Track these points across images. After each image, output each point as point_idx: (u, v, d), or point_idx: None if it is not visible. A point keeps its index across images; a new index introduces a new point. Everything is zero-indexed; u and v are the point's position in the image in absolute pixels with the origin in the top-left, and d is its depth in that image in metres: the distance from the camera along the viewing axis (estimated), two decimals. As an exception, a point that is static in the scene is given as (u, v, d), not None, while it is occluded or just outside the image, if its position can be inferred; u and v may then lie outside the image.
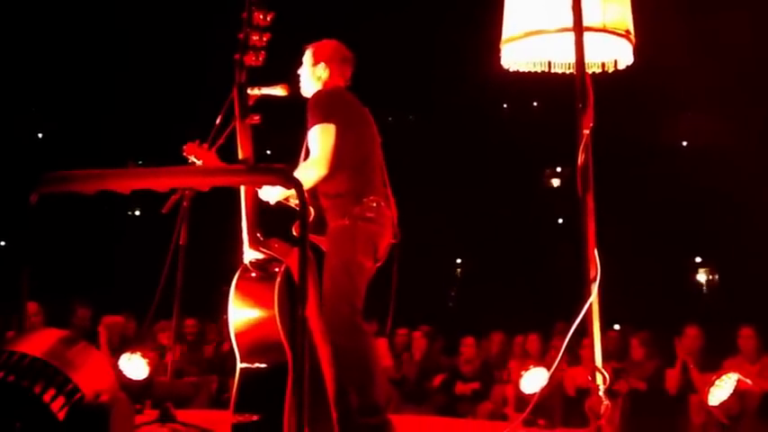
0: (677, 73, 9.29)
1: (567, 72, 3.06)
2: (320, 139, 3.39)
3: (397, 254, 3.58)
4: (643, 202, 10.98)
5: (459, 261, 14.14)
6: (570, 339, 2.85)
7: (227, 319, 2.97)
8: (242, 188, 3.02)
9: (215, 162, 3.48)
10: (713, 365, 5.55)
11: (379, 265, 3.55)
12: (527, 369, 5.24)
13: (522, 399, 5.69)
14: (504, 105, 12.69)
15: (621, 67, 3.10)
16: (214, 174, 2.51)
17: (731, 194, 9.69)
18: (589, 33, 2.87)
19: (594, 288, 2.76)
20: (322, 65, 3.61)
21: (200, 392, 6.71)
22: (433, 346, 7.82)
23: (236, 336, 2.89)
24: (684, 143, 12.08)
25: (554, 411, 6.21)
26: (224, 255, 3.48)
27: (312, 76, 3.63)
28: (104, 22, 10.52)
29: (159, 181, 2.39)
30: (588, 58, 2.88)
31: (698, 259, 12.58)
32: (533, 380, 5.15)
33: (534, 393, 4.78)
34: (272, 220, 3.18)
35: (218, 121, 3.55)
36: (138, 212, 12.97)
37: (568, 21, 2.84)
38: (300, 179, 3.34)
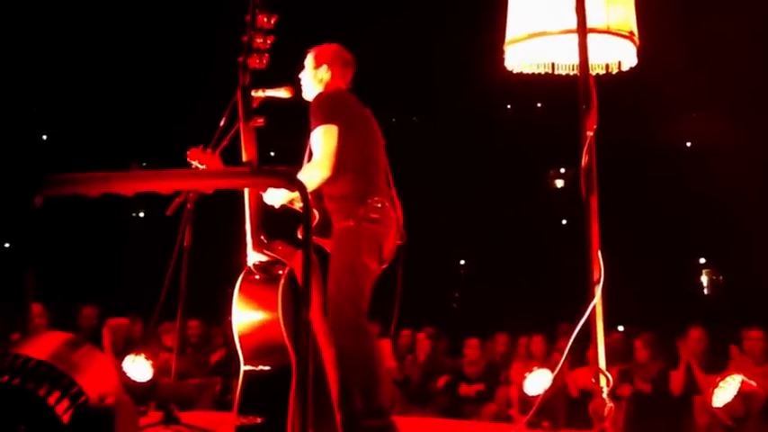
0: (681, 74, 9.27)
1: (571, 74, 3.06)
2: (323, 141, 3.39)
3: (402, 255, 3.58)
4: (647, 203, 10.96)
5: (462, 262, 14.13)
6: (574, 341, 2.85)
7: (231, 321, 2.97)
8: (246, 191, 3.02)
9: (219, 166, 3.49)
10: (717, 367, 5.54)
11: (384, 267, 3.55)
12: (531, 371, 5.24)
13: (527, 400, 5.69)
14: (509, 107, 12.68)
15: (625, 68, 3.10)
16: (218, 176, 2.51)
17: (735, 195, 9.66)
18: (593, 35, 2.87)
19: (598, 290, 2.76)
20: (324, 67, 3.62)
21: (203, 394, 6.72)
22: (437, 347, 7.81)
23: (240, 338, 2.90)
24: (688, 144, 12.07)
25: (558, 413, 6.20)
26: (228, 257, 3.48)
27: (314, 79, 3.63)
28: (108, 24, 10.54)
29: (163, 183, 2.39)
30: (592, 60, 2.88)
31: (702, 260, 12.55)
32: (537, 381, 5.15)
33: (538, 395, 4.78)
34: (275, 223, 3.19)
35: (221, 124, 3.56)
36: (142, 214, 12.98)
37: (572, 22, 2.84)
38: (304, 181, 3.37)
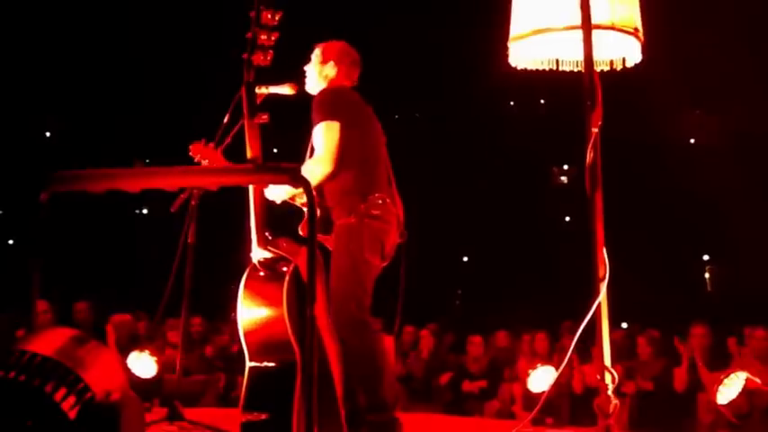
0: (685, 70, 9.26)
1: (576, 70, 3.05)
2: (325, 137, 3.39)
3: (404, 253, 3.58)
4: (650, 200, 10.94)
5: (465, 259, 14.13)
6: (578, 338, 2.85)
7: (236, 317, 2.97)
8: (250, 187, 3.02)
9: (220, 162, 3.49)
10: (721, 364, 5.54)
11: (385, 264, 3.55)
12: (535, 368, 5.24)
13: (530, 397, 5.69)
14: (512, 103, 12.66)
15: (630, 64, 3.10)
16: (222, 173, 2.51)
17: (739, 192, 9.64)
18: (597, 31, 2.87)
19: (603, 287, 2.76)
20: (331, 63, 3.62)
21: (208, 390, 6.73)
22: (441, 344, 7.82)
23: (245, 335, 2.90)
24: (692, 141, 12.04)
25: (562, 410, 6.20)
26: (233, 253, 3.49)
27: (320, 75, 3.63)
28: (112, 21, 10.54)
29: (168, 180, 2.39)
30: (596, 56, 2.88)
31: (706, 257, 12.53)
32: (541, 378, 5.15)
33: (542, 392, 4.78)
34: (280, 220, 3.19)
35: (225, 120, 3.56)
36: (146, 211, 13.00)
37: (576, 18, 2.84)
38: (305, 177, 3.37)
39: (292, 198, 3.48)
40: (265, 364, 2.88)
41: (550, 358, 6.45)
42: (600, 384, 2.74)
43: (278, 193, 3.44)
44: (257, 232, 2.99)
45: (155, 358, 4.96)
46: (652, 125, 10.69)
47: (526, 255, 11.65)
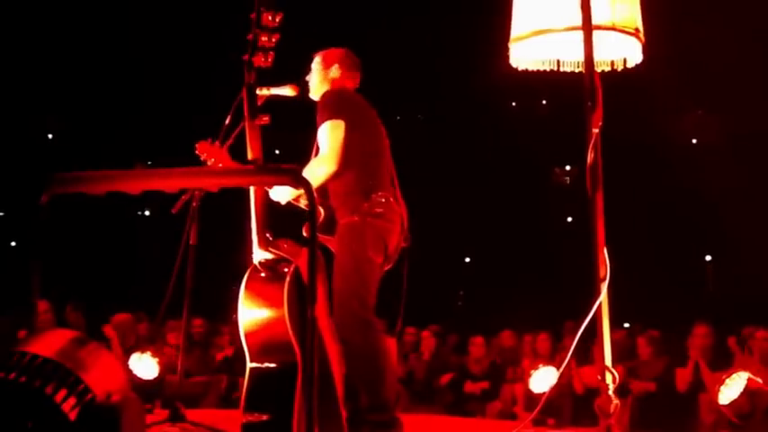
0: (687, 70, 9.25)
1: (576, 71, 3.05)
2: (330, 136, 3.41)
3: (407, 256, 3.58)
4: (652, 200, 10.94)
5: (467, 260, 14.12)
6: (579, 339, 2.85)
7: (237, 318, 2.98)
8: (251, 189, 3.02)
9: (227, 160, 3.50)
10: (722, 364, 5.53)
11: (389, 266, 3.55)
12: (536, 368, 5.24)
13: (532, 398, 5.69)
14: (513, 104, 12.65)
15: (631, 65, 3.10)
16: (223, 174, 2.51)
17: (741, 192, 9.64)
18: (598, 32, 2.87)
19: (604, 287, 2.76)
20: (335, 66, 3.66)
21: (209, 392, 6.73)
22: (443, 345, 7.82)
23: (246, 336, 2.90)
24: (694, 141, 12.03)
25: (563, 410, 6.20)
26: (234, 254, 3.49)
27: (324, 79, 3.66)
28: (113, 23, 10.54)
29: (169, 182, 2.39)
30: (597, 57, 2.88)
31: (708, 257, 12.51)
32: (543, 379, 5.14)
33: (544, 392, 4.77)
34: (281, 221, 3.19)
35: (227, 122, 3.56)
36: (147, 213, 13.00)
37: (577, 19, 2.84)
38: (311, 176, 3.37)
39: (297, 199, 3.49)
40: (266, 365, 2.88)
41: (553, 358, 6.45)
42: (601, 385, 2.73)
43: (282, 193, 3.45)
44: (258, 233, 2.99)
45: (156, 359, 4.97)
46: (654, 125, 10.68)
47: (528, 255, 11.65)
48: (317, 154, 3.53)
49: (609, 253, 2.79)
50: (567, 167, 12.69)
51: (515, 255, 11.85)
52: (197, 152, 3.57)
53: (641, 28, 2.99)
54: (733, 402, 4.45)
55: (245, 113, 3.07)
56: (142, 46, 10.65)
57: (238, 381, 6.15)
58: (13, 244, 12.25)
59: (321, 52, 3.72)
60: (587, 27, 2.82)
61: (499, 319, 8.39)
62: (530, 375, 5.29)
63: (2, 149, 10.89)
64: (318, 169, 3.39)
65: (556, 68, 3.10)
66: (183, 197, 3.96)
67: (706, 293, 10.14)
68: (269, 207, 3.11)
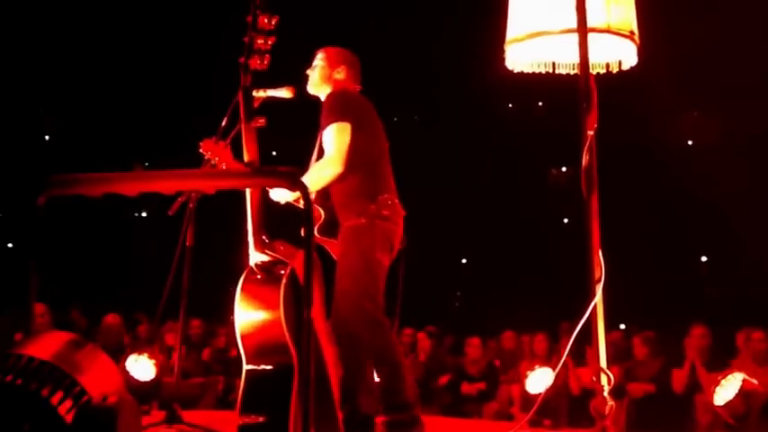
0: (682, 72, 9.27)
1: (572, 73, 3.06)
2: (336, 138, 3.41)
3: (403, 257, 3.59)
4: (648, 202, 10.95)
5: (464, 261, 14.13)
6: (576, 340, 2.86)
7: (233, 320, 2.98)
8: (248, 191, 3.03)
9: (230, 159, 3.49)
10: (719, 365, 5.54)
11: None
12: (532, 369, 5.25)
13: (528, 399, 5.70)
14: (510, 105, 12.66)
15: (626, 67, 3.11)
16: (220, 177, 2.52)
17: (737, 194, 9.66)
18: (593, 34, 2.88)
19: (599, 289, 2.77)
20: (342, 68, 3.65)
21: (206, 393, 6.73)
22: (440, 346, 7.83)
23: (242, 338, 2.91)
24: (690, 142, 12.05)
25: (560, 411, 6.21)
26: (230, 256, 3.50)
27: (327, 78, 3.65)
28: (110, 25, 10.54)
29: (166, 184, 2.40)
30: (592, 59, 2.89)
31: (704, 258, 12.54)
32: (539, 380, 5.16)
33: (540, 393, 4.79)
34: (278, 222, 3.20)
35: (223, 124, 3.57)
36: (144, 214, 13.00)
37: (573, 22, 2.85)
38: (317, 177, 3.38)
39: (297, 200, 3.49)
40: (262, 367, 2.89)
41: (549, 359, 6.46)
42: (596, 386, 2.74)
43: (282, 194, 3.45)
44: (254, 235, 3.00)
45: (153, 361, 4.97)
46: (650, 127, 10.70)
47: (525, 256, 11.66)
48: (319, 155, 3.53)
49: (605, 254, 2.80)
50: (564, 168, 12.70)
51: (512, 256, 11.86)
52: (201, 150, 3.57)
53: (636, 30, 3.00)
54: (728, 403, 4.47)
55: (242, 116, 3.07)
56: (139, 48, 10.65)
57: (235, 382, 6.15)
58: (9, 245, 12.24)
59: (326, 49, 3.70)
60: (582, 29, 2.83)
61: (496, 320, 8.40)
62: (526, 376, 5.30)
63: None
64: (325, 171, 3.40)
65: (551, 71, 3.11)
66: (180, 199, 3.97)
67: (702, 294, 10.15)
68: (265, 209, 3.11)
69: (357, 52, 3.78)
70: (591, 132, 2.81)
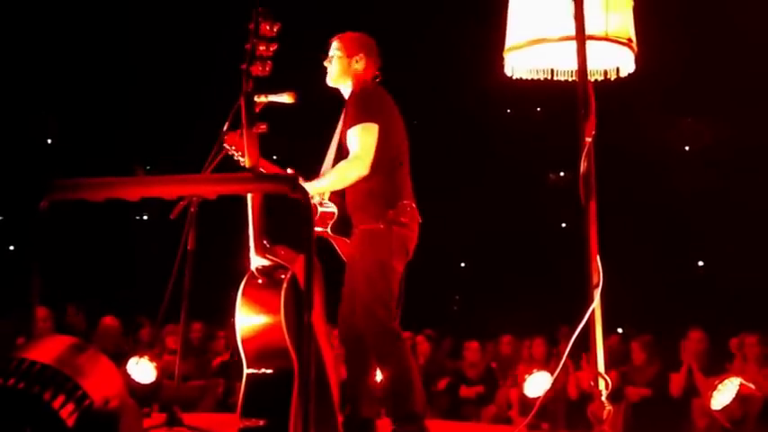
0: (678, 79, 9.29)
1: (570, 80, 3.09)
2: (363, 138, 3.38)
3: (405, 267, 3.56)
4: (645, 207, 10.97)
5: (463, 265, 14.14)
6: (575, 344, 2.88)
7: (234, 323, 3.00)
8: (249, 196, 3.05)
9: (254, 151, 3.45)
10: (716, 369, 5.56)
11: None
12: (531, 373, 5.26)
13: (527, 402, 5.71)
14: (508, 111, 12.68)
15: (623, 74, 3.13)
16: (221, 182, 2.54)
17: (734, 199, 9.68)
18: (591, 42, 2.90)
19: (597, 294, 2.79)
20: (360, 56, 3.59)
21: (206, 396, 6.75)
22: (438, 349, 7.84)
23: (243, 342, 2.92)
24: (686, 148, 12.08)
25: (558, 415, 6.22)
26: (231, 260, 3.51)
27: (348, 69, 3.59)
28: (113, 29, 10.56)
29: (168, 189, 2.42)
30: (590, 66, 2.91)
31: (700, 263, 12.55)
32: (537, 384, 5.17)
33: (538, 397, 4.80)
34: (279, 227, 3.21)
35: (224, 129, 3.58)
36: (146, 217, 13.01)
37: (571, 29, 2.88)
38: (339, 177, 3.38)
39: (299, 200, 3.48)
40: (263, 370, 2.91)
41: (548, 363, 6.47)
42: (593, 390, 2.76)
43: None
44: (255, 240, 3.01)
45: (154, 364, 4.99)
46: (647, 133, 10.72)
47: (523, 260, 11.67)
48: (338, 151, 3.50)
49: (603, 258, 2.83)
50: (563, 173, 12.72)
51: (511, 260, 11.87)
52: (225, 144, 3.56)
53: (634, 38, 3.03)
54: (725, 408, 4.49)
55: (243, 122, 3.09)
56: (142, 52, 10.67)
57: (235, 385, 6.17)
58: (11, 248, 12.25)
59: (341, 37, 3.64)
60: (581, 37, 2.85)
61: (495, 324, 8.41)
62: (524, 380, 5.32)
63: (1, 153, 10.90)
64: (350, 172, 3.37)
65: (550, 78, 3.13)
66: (181, 203, 3.98)
67: (699, 299, 10.16)
68: (266, 214, 3.13)
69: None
70: (589, 139, 2.84)
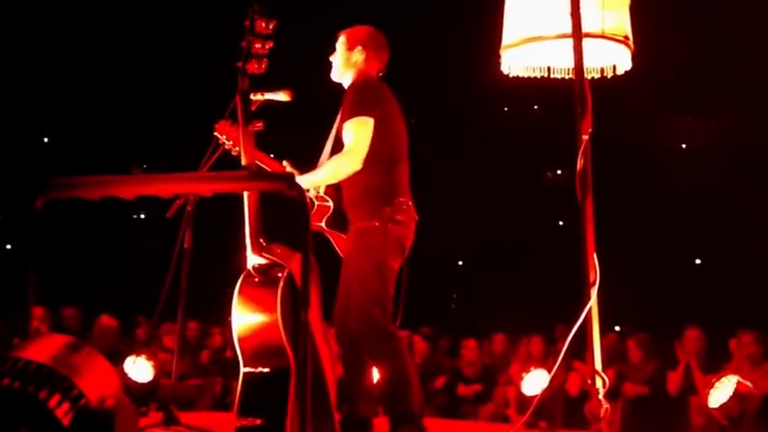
0: (675, 76, 9.30)
1: (567, 77, 3.08)
2: (357, 132, 3.35)
3: (406, 261, 3.54)
4: (643, 205, 10.98)
5: (460, 263, 14.14)
6: (571, 342, 2.88)
7: (231, 322, 3.00)
8: (245, 194, 3.04)
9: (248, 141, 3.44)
10: (714, 367, 5.58)
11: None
12: (527, 371, 5.26)
13: (524, 401, 5.71)
14: (505, 108, 12.68)
15: (620, 72, 3.13)
16: (217, 180, 2.54)
17: (731, 197, 9.69)
18: (588, 39, 2.90)
19: (594, 292, 2.79)
20: (359, 49, 3.56)
21: (203, 395, 6.75)
22: (435, 348, 7.85)
23: (240, 340, 2.92)
24: (684, 146, 12.09)
25: (555, 413, 6.22)
26: (228, 259, 3.51)
27: (348, 62, 3.57)
28: (110, 29, 10.55)
29: (164, 187, 2.42)
30: (587, 64, 2.91)
31: (698, 261, 12.57)
32: (534, 382, 5.17)
33: (535, 395, 4.80)
34: (275, 225, 3.20)
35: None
36: (143, 216, 13.00)
37: (567, 27, 2.87)
38: (331, 171, 3.36)
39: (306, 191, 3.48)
40: (260, 369, 2.90)
41: (545, 361, 6.47)
42: (591, 389, 2.76)
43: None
44: (251, 238, 3.01)
45: (151, 363, 4.99)
46: (644, 130, 10.73)
47: (521, 258, 11.67)
48: (334, 145, 3.48)
49: (600, 256, 2.82)
50: (560, 171, 12.72)
51: (508, 257, 11.87)
52: (216, 132, 3.55)
53: (630, 35, 3.03)
54: (722, 405, 4.49)
55: (239, 120, 3.08)
56: (138, 51, 10.66)
57: (232, 384, 6.17)
58: (8, 247, 12.24)
59: (345, 31, 3.62)
60: (577, 35, 2.85)
61: (492, 322, 8.41)
62: (521, 378, 5.32)
63: (-1, 152, 10.90)
64: (342, 166, 3.34)
65: (546, 75, 3.13)
66: (178, 201, 3.98)
67: (696, 297, 10.17)
68: (263, 212, 3.12)
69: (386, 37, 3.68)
70: (586, 137, 2.84)
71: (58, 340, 2.08)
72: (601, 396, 2.74)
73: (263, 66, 3.03)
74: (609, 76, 3.12)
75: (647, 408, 5.92)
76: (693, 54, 9.22)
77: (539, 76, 3.15)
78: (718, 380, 4.37)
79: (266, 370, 2.89)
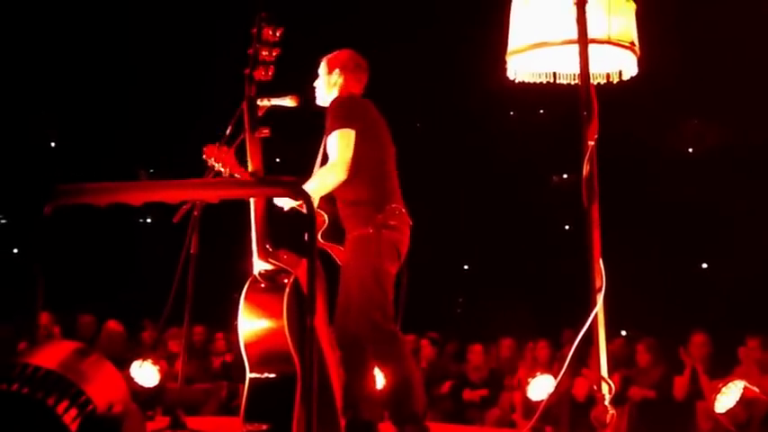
0: (682, 81, 9.28)
1: (573, 83, 3.09)
2: (339, 145, 3.41)
3: (406, 265, 3.59)
4: (649, 210, 10.95)
5: (466, 267, 14.13)
6: (578, 347, 2.88)
7: (237, 326, 3.00)
8: (251, 200, 3.05)
9: (233, 164, 3.51)
10: (720, 372, 5.55)
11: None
12: (534, 376, 5.26)
13: (530, 406, 5.71)
14: (511, 113, 12.67)
15: (626, 78, 3.13)
16: (224, 186, 2.55)
17: (737, 202, 9.66)
18: (594, 45, 2.90)
19: (600, 298, 2.79)
20: (337, 71, 3.66)
21: (210, 399, 6.75)
22: (442, 352, 7.84)
23: (246, 346, 2.92)
24: (690, 150, 12.06)
25: (562, 419, 6.21)
26: (234, 264, 3.52)
27: (327, 85, 3.68)
28: (116, 33, 10.59)
29: (171, 193, 2.43)
30: (593, 70, 2.91)
31: (704, 265, 12.53)
32: (540, 387, 5.17)
33: (542, 400, 4.80)
34: (282, 231, 3.22)
35: (227, 133, 3.59)
36: (149, 220, 13.04)
37: (573, 33, 2.88)
38: (318, 184, 3.41)
39: (301, 205, 3.50)
40: (266, 375, 2.91)
41: (551, 366, 6.46)
42: (597, 394, 2.76)
43: (286, 200, 3.48)
44: (258, 244, 3.01)
45: (157, 367, 5.00)
46: (650, 135, 10.70)
47: (527, 262, 11.66)
48: (323, 161, 3.54)
49: (606, 261, 2.82)
50: (566, 176, 12.71)
51: (514, 262, 11.86)
52: (204, 156, 3.59)
53: (636, 41, 3.03)
54: (729, 411, 4.47)
55: (246, 126, 3.09)
56: (145, 56, 10.69)
57: (238, 388, 6.17)
58: (16, 251, 12.27)
59: (326, 56, 3.72)
60: (583, 41, 2.85)
61: (498, 327, 8.40)
62: (527, 383, 5.31)
63: (4, 156, 10.92)
64: (327, 178, 3.40)
65: (552, 81, 3.13)
66: (185, 207, 3.99)
67: (703, 302, 10.13)
68: (269, 218, 3.13)
69: (365, 59, 3.77)
70: (591, 143, 2.84)
71: (66, 346, 2.09)
72: (607, 402, 2.74)
73: (270, 72, 3.05)
74: (615, 82, 3.12)
75: (653, 412, 5.90)
76: (701, 59, 9.21)
77: (544, 82, 3.15)
78: (724, 385, 4.35)
79: (272, 375, 2.90)
